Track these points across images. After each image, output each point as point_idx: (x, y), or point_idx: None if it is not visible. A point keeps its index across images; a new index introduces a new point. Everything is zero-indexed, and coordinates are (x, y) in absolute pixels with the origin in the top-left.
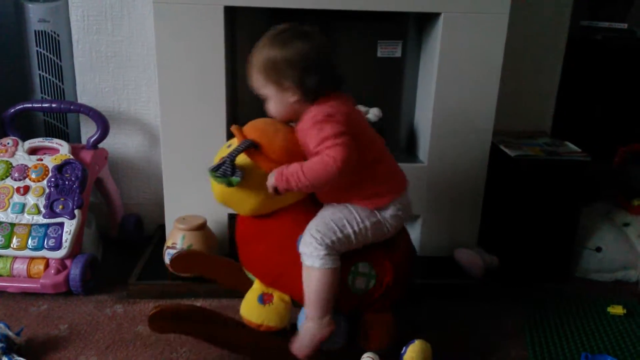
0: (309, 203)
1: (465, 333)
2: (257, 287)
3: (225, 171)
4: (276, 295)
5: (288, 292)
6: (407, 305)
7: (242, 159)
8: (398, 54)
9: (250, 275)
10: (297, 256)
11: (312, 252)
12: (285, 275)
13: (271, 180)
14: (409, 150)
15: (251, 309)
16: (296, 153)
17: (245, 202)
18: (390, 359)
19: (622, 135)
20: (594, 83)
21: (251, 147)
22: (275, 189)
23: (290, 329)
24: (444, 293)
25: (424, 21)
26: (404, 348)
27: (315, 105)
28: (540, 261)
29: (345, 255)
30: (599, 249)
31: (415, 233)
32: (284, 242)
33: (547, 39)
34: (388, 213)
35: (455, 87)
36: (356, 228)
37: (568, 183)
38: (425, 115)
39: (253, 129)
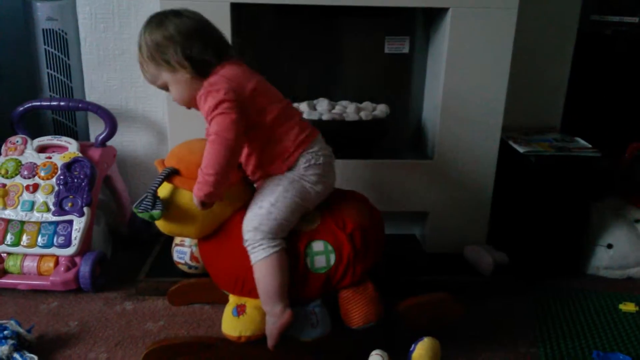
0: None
1: (474, 330)
2: (231, 301)
3: (146, 206)
4: (249, 304)
5: (257, 295)
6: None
7: (168, 188)
8: (406, 49)
9: (225, 292)
10: None
11: (253, 246)
12: (249, 280)
13: (194, 198)
14: (417, 147)
15: (228, 322)
16: None
17: (188, 227)
18: (399, 356)
19: (633, 130)
20: (604, 78)
21: (171, 175)
22: (204, 203)
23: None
24: (453, 290)
25: (432, 17)
26: (412, 345)
27: (205, 80)
28: (551, 258)
29: (296, 238)
30: (610, 246)
31: (423, 230)
32: (239, 248)
33: (557, 34)
34: (301, 167)
35: (463, 83)
36: (273, 207)
37: (578, 179)
38: (433, 111)
39: (171, 156)
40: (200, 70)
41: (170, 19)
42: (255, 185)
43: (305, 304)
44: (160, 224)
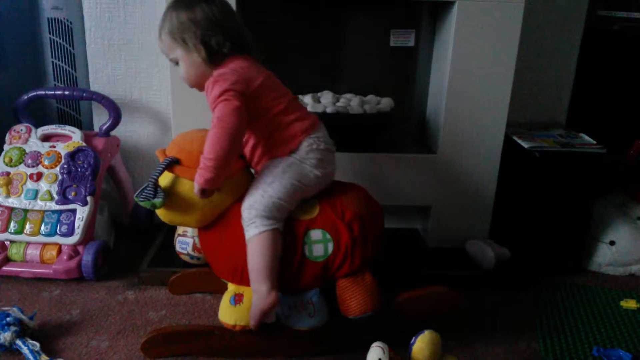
0: None
1: (475, 325)
2: (230, 290)
3: (147, 195)
4: (246, 294)
5: None
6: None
7: (169, 177)
8: (411, 43)
9: (224, 280)
10: None
11: (247, 223)
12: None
13: (195, 186)
14: (421, 141)
15: (225, 310)
16: None
17: (188, 216)
18: (399, 349)
19: (639, 127)
20: (610, 74)
21: (172, 164)
22: (204, 192)
23: (276, 321)
24: (454, 284)
25: (438, 10)
26: (413, 338)
27: (217, 69)
28: (553, 254)
29: (294, 226)
30: (612, 243)
31: (426, 224)
32: (238, 237)
33: (563, 29)
34: (303, 150)
35: (468, 77)
36: (273, 189)
37: (582, 175)
38: (437, 105)
39: (172, 146)
40: (213, 58)
41: (200, 3)
42: (257, 170)
43: (303, 292)
44: (160, 213)
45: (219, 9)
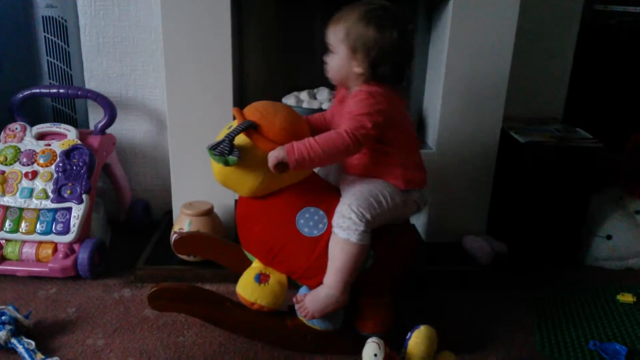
0: (309, 183)
1: (471, 319)
2: (255, 266)
3: (223, 150)
4: (273, 276)
5: (286, 271)
6: (412, 293)
7: (242, 139)
8: None
9: (250, 256)
10: (294, 233)
11: (349, 226)
12: (283, 252)
13: (280, 154)
14: (417, 136)
15: (247, 286)
16: (296, 134)
17: (245, 183)
18: (394, 344)
19: (635, 122)
20: (607, 69)
21: (250, 128)
22: (280, 166)
23: (287, 310)
24: (451, 280)
25: (434, 6)
26: (409, 333)
27: (371, 84)
28: (550, 248)
29: None
30: (609, 237)
31: (423, 219)
32: (282, 220)
33: (560, 24)
34: (415, 197)
35: (465, 72)
36: (391, 204)
37: (579, 170)
38: (434, 101)
39: (253, 110)
40: (371, 78)
41: (392, 30)
42: (350, 172)
43: None
44: (222, 171)
45: (405, 44)
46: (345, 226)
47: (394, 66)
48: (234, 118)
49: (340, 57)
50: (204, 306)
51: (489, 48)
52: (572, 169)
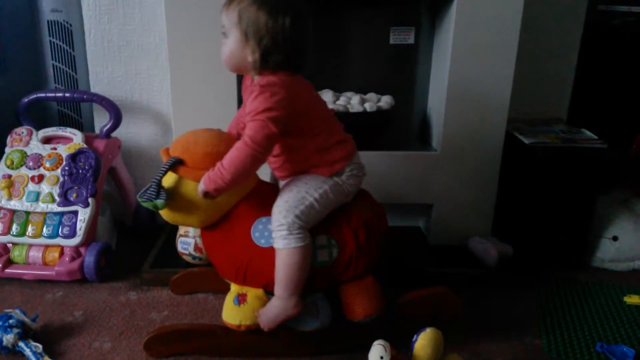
0: (256, 194)
1: (478, 322)
2: (233, 290)
3: (150, 196)
4: (250, 294)
5: (259, 285)
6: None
7: (172, 178)
8: (411, 40)
9: (227, 281)
10: (254, 247)
11: (276, 233)
12: (250, 269)
13: (201, 187)
14: (422, 138)
15: (229, 311)
16: (219, 155)
17: (191, 216)
18: (401, 347)
19: None
20: (611, 69)
21: (176, 164)
22: (208, 195)
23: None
24: (457, 282)
25: (438, 7)
26: (415, 336)
27: (265, 74)
28: (555, 250)
29: None
30: (615, 238)
31: (428, 222)
32: (239, 238)
33: (564, 24)
34: (344, 175)
35: (469, 73)
36: (316, 195)
37: (584, 171)
38: (438, 102)
39: (176, 145)
40: (262, 67)
41: (285, 16)
42: (281, 178)
43: (307, 295)
44: (163, 213)
45: (298, 30)
46: (279, 236)
47: (288, 55)
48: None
49: (233, 42)
50: (199, 341)
51: (493, 49)
52: (578, 170)
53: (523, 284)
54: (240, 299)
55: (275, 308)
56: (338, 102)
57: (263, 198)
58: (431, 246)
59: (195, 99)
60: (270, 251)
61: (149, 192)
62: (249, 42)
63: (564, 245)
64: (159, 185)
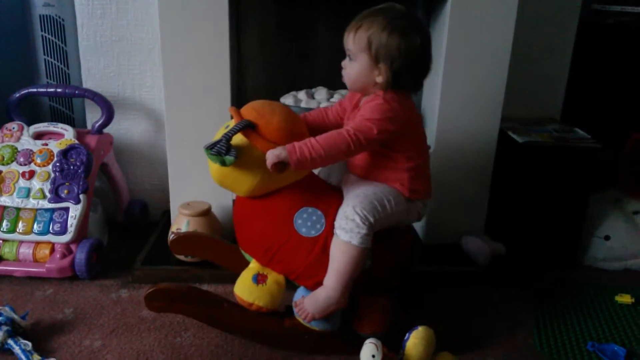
0: (307, 183)
1: (470, 320)
2: (253, 267)
3: (220, 150)
4: (271, 277)
5: (283, 271)
6: (409, 293)
7: (239, 139)
8: None
9: (247, 256)
10: (292, 233)
11: (352, 228)
12: (281, 253)
13: (282, 153)
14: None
15: (244, 287)
16: (293, 134)
17: (242, 183)
18: (393, 345)
19: (634, 122)
20: (605, 68)
21: (248, 128)
22: (279, 166)
23: (285, 311)
24: (449, 280)
25: (432, 5)
26: (407, 334)
27: (388, 92)
28: (548, 249)
29: None
30: (607, 237)
31: (421, 220)
32: (279, 220)
33: (558, 23)
34: (418, 206)
35: (463, 72)
36: (395, 209)
37: (577, 170)
38: (432, 100)
39: (250, 109)
40: (390, 86)
41: (416, 36)
42: (355, 172)
43: None
44: (217, 171)
45: (426, 50)
46: (347, 228)
47: (415, 75)
48: (232, 117)
49: (361, 65)
50: (202, 307)
51: (487, 48)
52: (571, 169)
53: (515, 283)
54: (260, 278)
55: (327, 299)
56: (332, 100)
57: (312, 190)
58: (424, 245)
59: (187, 95)
60: (306, 241)
61: (218, 146)
62: (379, 65)
63: (556, 244)
64: (229, 141)
